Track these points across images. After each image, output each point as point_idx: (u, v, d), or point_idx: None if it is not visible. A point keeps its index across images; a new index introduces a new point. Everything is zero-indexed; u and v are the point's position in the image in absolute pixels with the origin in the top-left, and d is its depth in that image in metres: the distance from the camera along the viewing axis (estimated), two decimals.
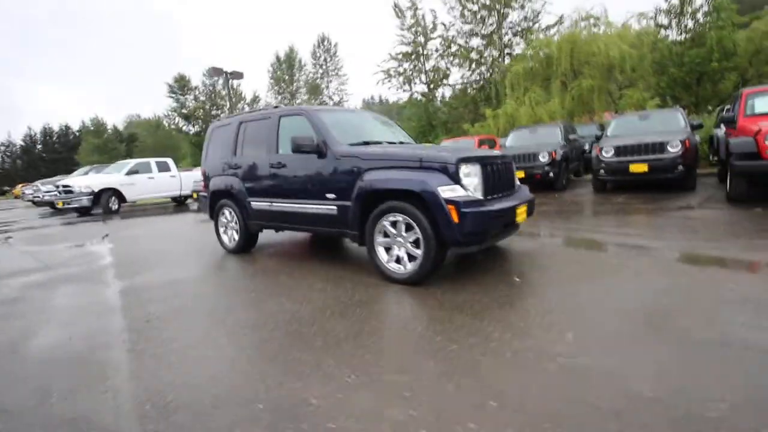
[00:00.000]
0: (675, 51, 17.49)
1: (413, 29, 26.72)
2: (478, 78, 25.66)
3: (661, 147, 7.61)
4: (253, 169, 4.76)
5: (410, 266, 3.39)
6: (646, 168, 7.66)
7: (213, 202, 5.42)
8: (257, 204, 4.73)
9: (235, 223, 5.16)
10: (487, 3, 24.11)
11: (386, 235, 3.55)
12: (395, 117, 28.72)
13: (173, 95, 33.21)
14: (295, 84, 36.45)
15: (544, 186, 9.34)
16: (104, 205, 12.41)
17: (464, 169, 3.25)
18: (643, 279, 3.17)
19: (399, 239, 3.45)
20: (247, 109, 37.98)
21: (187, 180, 14.18)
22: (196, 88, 34.74)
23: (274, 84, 35.93)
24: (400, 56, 27.37)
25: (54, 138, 46.79)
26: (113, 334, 2.78)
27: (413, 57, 27.20)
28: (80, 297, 3.80)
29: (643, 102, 18.05)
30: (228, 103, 37.31)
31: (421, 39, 26.76)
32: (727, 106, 12.34)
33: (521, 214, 3.64)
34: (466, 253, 3.32)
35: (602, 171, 8.24)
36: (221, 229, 5.43)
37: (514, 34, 24.92)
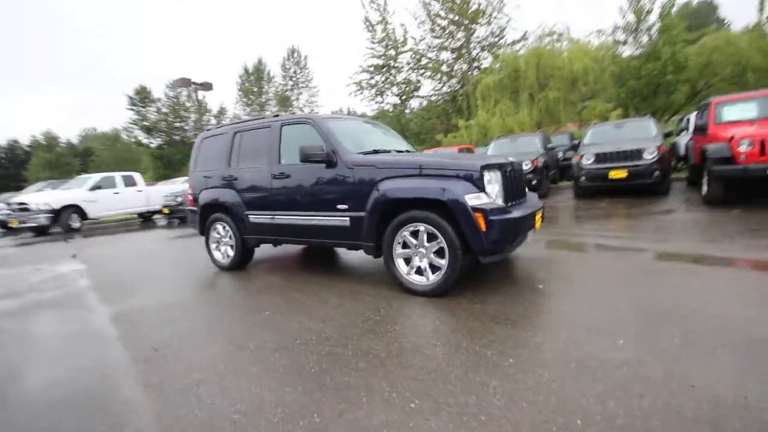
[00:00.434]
0: (633, 65, 18.66)
1: (384, 43, 27.05)
2: (448, 90, 26.25)
3: (638, 154, 7.97)
4: (252, 180, 4.50)
5: (433, 277, 3.27)
6: (625, 174, 7.99)
7: (204, 216, 5.09)
8: (257, 217, 4.47)
9: (230, 237, 4.85)
10: (456, 19, 24.83)
11: (406, 245, 3.42)
12: None
13: (134, 107, 31.71)
14: (264, 96, 35.83)
15: None
16: (64, 223, 11.49)
17: (487, 176, 3.19)
18: (670, 281, 3.21)
19: (421, 250, 3.32)
20: (213, 121, 36.98)
21: (155, 195, 13.45)
22: (158, 99, 33.38)
23: (242, 96, 35.16)
24: (371, 69, 27.59)
25: (0, 153, 43.40)
26: (119, 368, 2.46)
27: (384, 69, 27.48)
28: (65, 325, 3.40)
29: (605, 112, 19.06)
30: (193, 116, 36.17)
31: (392, 52, 27.12)
32: (687, 117, 13.19)
33: (539, 220, 3.62)
34: (491, 262, 3.25)
35: (583, 178, 8.52)
36: (213, 245, 5.09)
37: (482, 49, 25.76)
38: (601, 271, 3.68)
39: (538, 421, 1.64)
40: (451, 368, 2.10)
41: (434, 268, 3.30)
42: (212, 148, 5.09)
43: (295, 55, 34.78)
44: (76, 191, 12.10)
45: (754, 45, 15.71)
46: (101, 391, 2.20)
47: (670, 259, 3.82)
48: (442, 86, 26.40)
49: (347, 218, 3.71)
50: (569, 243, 4.88)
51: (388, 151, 4.15)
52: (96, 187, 12.25)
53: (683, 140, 11.68)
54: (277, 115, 4.56)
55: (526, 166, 9.36)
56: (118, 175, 12.93)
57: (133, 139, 33.78)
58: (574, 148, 13.14)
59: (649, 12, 18.96)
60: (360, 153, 3.83)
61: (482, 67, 25.37)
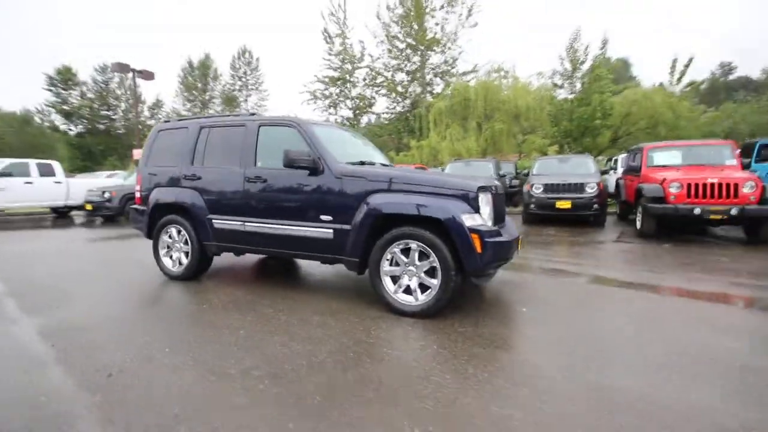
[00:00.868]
0: (566, 107, 20.60)
1: (341, 56, 27.12)
2: (402, 110, 26.90)
3: (581, 187, 8.69)
4: (220, 182, 4.09)
5: (423, 297, 3.16)
6: (569, 205, 8.65)
7: (154, 217, 4.51)
8: (222, 223, 4.05)
9: (186, 243, 4.34)
10: (413, 43, 25.70)
11: (395, 263, 3.28)
12: None
13: (52, 88, 28.09)
14: (208, 93, 33.84)
15: None
16: None
17: (481, 197, 3.19)
18: (637, 305, 3.42)
19: (411, 268, 3.21)
20: (146, 113, 34.01)
21: (77, 188, 11.87)
22: (84, 83, 30.00)
23: (183, 90, 32.84)
24: (326, 80, 27.45)
25: None
26: (65, 400, 1.99)
27: (340, 82, 27.48)
28: None
29: (543, 147, 20.77)
30: (123, 105, 33.06)
31: (349, 66, 27.26)
32: (615, 158, 14.70)
33: (519, 244, 3.70)
34: (480, 283, 3.23)
35: (533, 205, 9.08)
36: (162, 251, 4.52)
37: (435, 75, 26.88)
38: (572, 295, 3.84)
39: None
40: (469, 399, 1.98)
41: (423, 287, 3.19)
42: (170, 141, 4.57)
43: (247, 55, 33.49)
44: None
45: (665, 102, 18.21)
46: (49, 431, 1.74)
47: (627, 287, 4.09)
48: (396, 105, 27.01)
49: (330, 230, 3.49)
50: (532, 267, 5.06)
51: (373, 164, 4.02)
52: (5, 174, 10.49)
53: (612, 178, 13.07)
54: (253, 114, 4.23)
55: None
56: (32, 163, 11.21)
57: (48, 124, 29.86)
58: (518, 176, 14.09)
59: (582, 62, 21.24)
60: (348, 163, 3.66)
61: (435, 91, 26.48)
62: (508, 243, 3.20)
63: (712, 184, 6.42)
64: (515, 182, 13.46)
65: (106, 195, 10.79)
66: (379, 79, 26.66)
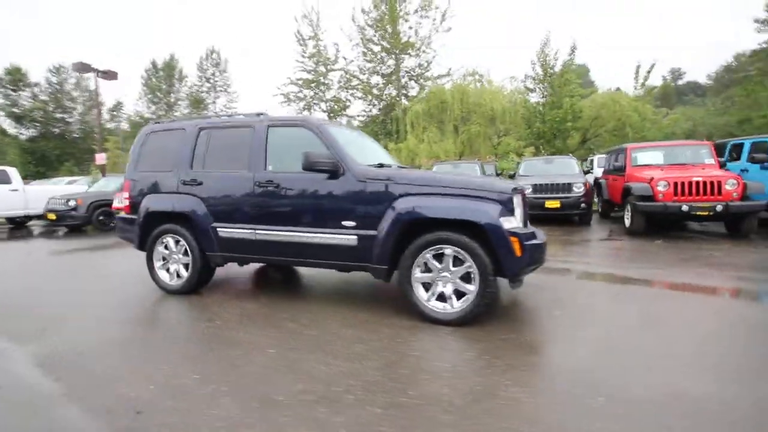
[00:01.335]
0: (538, 110, 21.23)
1: (315, 59, 26.72)
2: (378, 113, 26.80)
3: (569, 187, 8.87)
4: (226, 188, 3.78)
5: (459, 304, 3.02)
6: (558, 204, 8.80)
7: (148, 227, 4.12)
8: (229, 231, 3.74)
9: (185, 254, 3.98)
10: (387, 47, 25.69)
11: (426, 269, 3.12)
12: None
13: (2, 90, 25.92)
14: (174, 95, 32.39)
15: None
16: None
17: (515, 200, 3.10)
18: (664, 304, 3.42)
19: (445, 274, 3.05)
20: (106, 115, 32.08)
21: (35, 195, 10.92)
22: (36, 84, 27.91)
23: (147, 92, 31.24)
24: (300, 82, 26.96)
25: None
26: None
27: (314, 85, 27.06)
28: None
29: (519, 149, 21.26)
30: (80, 107, 31.08)
31: (323, 69, 26.89)
32: (591, 159, 15.16)
33: None
34: (516, 288, 3.12)
35: None
36: (158, 263, 4.13)
37: (410, 78, 26.98)
38: (596, 296, 3.82)
39: None
40: (555, 414, 1.85)
41: (458, 294, 3.05)
42: (163, 144, 4.21)
43: (214, 56, 32.32)
44: None
45: (631, 105, 19.11)
46: None
47: (643, 284, 4.13)
48: (372, 108, 26.88)
49: (354, 237, 3.28)
50: (542, 268, 5.04)
51: (390, 165, 3.85)
52: None
53: (590, 178, 13.49)
54: (260, 114, 3.96)
55: None
56: None
57: None
58: (499, 177, 14.31)
59: (552, 67, 21.95)
60: (369, 165, 3.47)
61: (409, 94, 26.57)
62: (543, 246, 3.12)
63: (698, 183, 6.68)
64: None
65: (71, 203, 9.99)
66: (354, 82, 26.46)
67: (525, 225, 3.33)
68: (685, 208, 6.56)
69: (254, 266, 5.23)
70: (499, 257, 2.90)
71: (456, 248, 2.98)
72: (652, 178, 7.08)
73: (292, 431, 1.76)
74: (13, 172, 10.71)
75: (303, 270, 5.01)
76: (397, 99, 26.04)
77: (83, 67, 14.83)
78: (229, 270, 5.02)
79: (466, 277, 3.02)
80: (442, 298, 3.09)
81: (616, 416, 1.82)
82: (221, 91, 32.86)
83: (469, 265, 2.96)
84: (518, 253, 2.88)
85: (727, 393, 1.99)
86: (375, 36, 25.47)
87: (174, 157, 4.06)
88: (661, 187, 6.89)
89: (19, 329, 3.11)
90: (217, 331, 3.01)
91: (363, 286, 4.30)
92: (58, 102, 29.43)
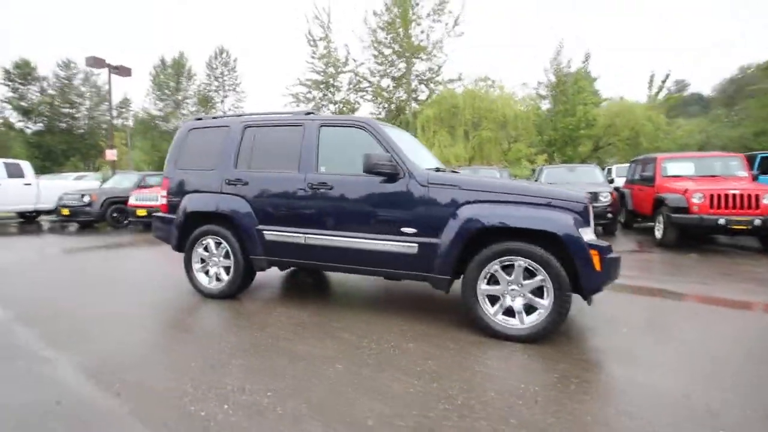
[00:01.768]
0: (551, 117, 21.14)
1: (325, 60, 26.65)
2: (386, 116, 26.69)
3: (595, 196, 8.70)
4: (275, 189, 3.62)
5: (530, 319, 2.84)
6: None
7: (187, 227, 3.95)
8: (276, 234, 3.57)
9: (226, 257, 3.81)
10: (399, 50, 25.63)
11: (493, 281, 2.95)
12: None
13: (9, 83, 25.79)
14: (182, 93, 32.28)
15: None
16: None
17: (590, 210, 2.94)
18: (725, 321, 3.25)
19: (515, 287, 2.88)
20: (113, 111, 31.94)
21: (48, 190, 10.75)
22: (44, 79, 27.79)
23: (155, 89, 31.13)
24: (309, 83, 26.88)
25: None
26: None
27: (323, 86, 26.98)
28: (20, 392, 2.14)
29: (530, 156, 21.13)
30: (88, 102, 30.99)
31: (332, 70, 26.82)
32: (608, 168, 14.99)
33: None
34: (588, 304, 2.96)
35: None
36: (197, 266, 3.95)
37: (420, 82, 26.90)
38: (652, 311, 3.65)
39: None
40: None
41: (528, 309, 2.88)
42: (206, 142, 4.05)
43: (224, 55, 32.21)
44: None
45: (645, 115, 19.00)
46: None
47: (687, 299, 3.98)
48: (381, 111, 26.77)
49: (415, 244, 3.11)
50: None
51: (444, 169, 3.70)
52: None
53: (609, 189, 13.32)
54: (310, 113, 3.80)
55: None
56: (0, 162, 10.05)
57: (1, 120, 27.45)
58: None
59: (566, 75, 21.87)
60: (428, 170, 3.31)
61: (419, 98, 26.48)
62: (619, 260, 2.95)
63: (734, 195, 6.52)
64: None
65: (86, 199, 9.83)
66: (364, 84, 26.39)
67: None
68: (722, 221, 6.41)
69: (274, 270, 5.05)
70: (578, 271, 2.73)
71: (528, 260, 2.81)
72: (686, 190, 6.92)
73: None
74: (26, 166, 10.55)
75: (334, 276, 4.83)
76: (407, 102, 25.96)
77: (96, 62, 14.69)
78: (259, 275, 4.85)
79: (538, 291, 2.86)
80: (508, 312, 2.92)
81: None
82: (230, 90, 32.79)
83: (542, 278, 2.79)
84: (598, 267, 2.72)
85: None
86: (387, 38, 25.42)
87: (217, 155, 3.90)
88: (696, 199, 6.73)
89: (55, 334, 2.93)
90: (273, 341, 2.83)
91: (404, 293, 4.13)
92: (65, 97, 29.31)
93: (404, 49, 25.50)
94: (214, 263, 3.90)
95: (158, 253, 6.72)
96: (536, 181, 10.67)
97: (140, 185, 10.93)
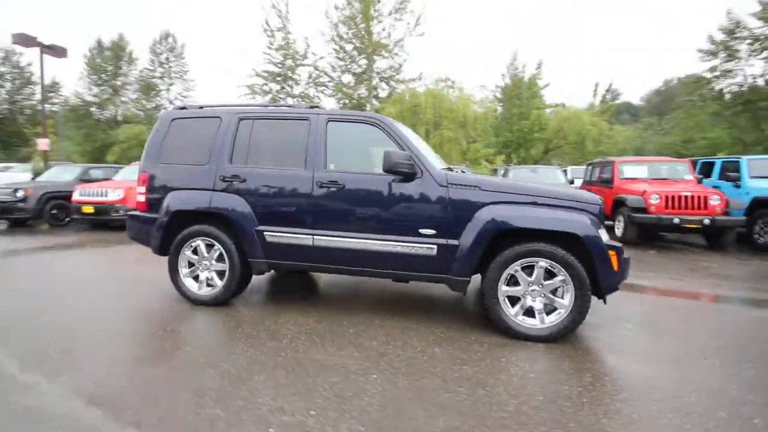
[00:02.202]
0: (507, 120, 22.06)
1: (282, 52, 25.77)
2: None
3: None
4: (278, 187, 3.37)
5: (551, 319, 2.88)
6: None
7: (173, 228, 3.56)
8: (279, 236, 3.32)
9: (219, 260, 3.49)
10: (359, 45, 25.39)
11: (513, 282, 2.96)
12: None
13: None
14: (120, 78, 29.59)
15: None
16: None
17: (603, 212, 3.03)
18: (710, 315, 3.53)
19: (535, 288, 2.91)
20: (39, 95, 28.58)
21: None
22: None
23: (90, 72, 28.22)
24: (266, 74, 25.88)
25: None
26: None
27: (281, 79, 26.10)
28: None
29: (488, 156, 21.87)
30: (8, 84, 27.54)
31: (290, 63, 26.01)
32: (564, 168, 15.86)
33: None
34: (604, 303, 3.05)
35: None
36: (184, 270, 3.58)
37: (381, 80, 26.86)
38: (644, 307, 3.88)
39: None
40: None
41: (549, 309, 2.92)
42: (194, 134, 3.69)
43: (170, 39, 29.95)
44: None
45: (591, 121, 20.42)
46: None
47: (675, 295, 4.29)
48: (342, 107, 26.39)
49: (434, 246, 3.04)
50: None
51: (452, 169, 3.66)
52: None
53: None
54: (315, 106, 3.59)
55: None
56: None
57: None
58: None
59: (521, 79, 22.90)
60: (443, 169, 3.25)
61: (380, 95, 26.44)
62: (629, 260, 3.07)
63: (686, 197, 7.16)
64: None
65: (19, 193, 8.68)
66: (325, 79, 25.89)
67: None
68: (676, 220, 7.00)
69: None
70: (598, 271, 2.80)
71: (550, 261, 2.84)
72: (644, 191, 7.49)
73: None
74: None
75: (322, 277, 4.63)
76: (368, 99, 25.82)
77: (26, 40, 12.97)
78: None
79: (557, 291, 2.90)
80: (527, 312, 2.95)
81: None
82: (177, 77, 30.58)
83: (563, 279, 2.84)
84: (616, 267, 2.81)
85: None
86: (348, 34, 25.08)
87: (208, 149, 3.55)
88: (653, 200, 7.30)
89: (30, 353, 2.50)
90: (291, 351, 2.62)
91: (401, 294, 4.05)
92: None
93: (365, 46, 25.34)
94: (205, 267, 3.55)
95: (114, 255, 6.10)
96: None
97: (83, 179, 9.85)
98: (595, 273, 2.82)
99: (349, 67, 25.59)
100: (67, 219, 9.24)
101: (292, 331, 2.97)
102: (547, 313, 2.91)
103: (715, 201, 7.08)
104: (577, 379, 2.34)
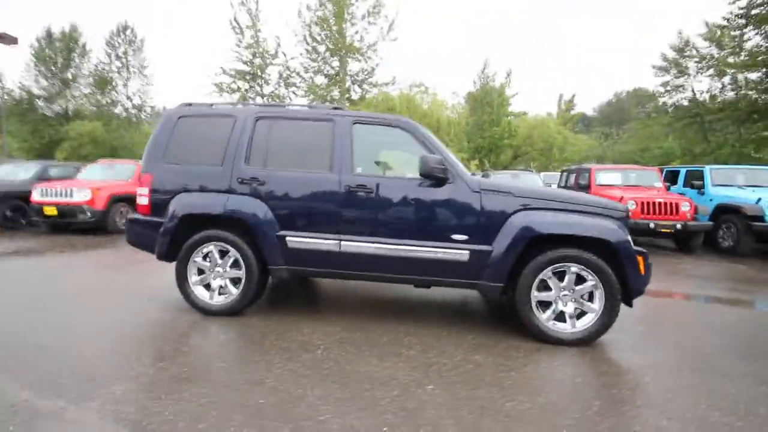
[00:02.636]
0: (479, 126, 22.68)
1: (252, 50, 25.09)
2: None
3: None
4: (301, 190, 3.22)
5: (582, 323, 2.94)
6: None
7: (182, 233, 3.31)
8: (303, 241, 3.17)
9: (234, 266, 3.29)
10: (332, 47, 25.20)
11: (545, 288, 2.99)
12: None
13: None
14: (72, 71, 27.51)
15: None
16: None
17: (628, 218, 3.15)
18: (709, 316, 3.76)
19: (566, 293, 2.96)
20: None
21: None
22: None
23: (39, 64, 25.98)
24: (234, 72, 25.09)
25: None
26: None
27: (250, 78, 25.39)
28: None
29: (463, 161, 22.34)
30: None
31: (259, 61, 25.37)
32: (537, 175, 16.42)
33: None
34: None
35: None
36: (194, 278, 3.33)
37: (353, 83, 26.77)
38: (649, 309, 4.06)
39: None
40: None
41: (579, 313, 2.98)
42: (204, 133, 3.46)
43: (129, 32, 28.22)
44: None
45: (556, 129, 21.46)
46: None
47: (670, 296, 4.54)
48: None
49: (466, 252, 3.02)
50: None
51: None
52: None
53: None
54: (338, 108, 3.47)
55: None
56: None
57: None
58: None
59: (492, 87, 23.63)
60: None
61: (352, 98, 26.32)
62: (652, 265, 3.19)
63: (660, 203, 7.64)
64: None
65: None
66: (297, 80, 25.47)
67: None
68: (652, 225, 7.45)
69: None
70: (627, 276, 2.89)
71: (581, 266, 2.90)
72: (622, 197, 7.91)
73: None
74: None
75: (324, 282, 4.51)
76: (341, 102, 25.63)
77: None
78: None
79: (588, 296, 2.97)
80: (559, 317, 2.99)
81: None
82: (135, 72, 28.85)
83: (594, 284, 2.91)
84: (642, 271, 2.92)
85: None
86: (320, 35, 24.80)
87: (223, 149, 3.34)
88: (630, 206, 7.71)
89: (44, 378, 2.22)
90: (334, 363, 2.50)
91: (415, 299, 4.01)
92: None
93: (338, 48, 25.17)
94: (218, 274, 3.33)
95: (89, 261, 5.65)
96: None
97: (42, 177, 9.03)
98: (624, 277, 2.91)
99: (321, 68, 25.31)
100: (23, 221, 8.45)
101: (323, 342, 2.84)
102: (577, 318, 2.97)
103: (685, 207, 7.60)
104: (624, 381, 2.41)
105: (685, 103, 18.90)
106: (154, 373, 2.29)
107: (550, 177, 13.83)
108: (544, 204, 3.04)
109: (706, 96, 18.10)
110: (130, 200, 8.32)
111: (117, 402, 1.97)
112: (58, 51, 27.07)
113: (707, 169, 8.63)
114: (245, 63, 25.12)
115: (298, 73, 25.19)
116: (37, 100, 26.91)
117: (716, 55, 16.70)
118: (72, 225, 8.03)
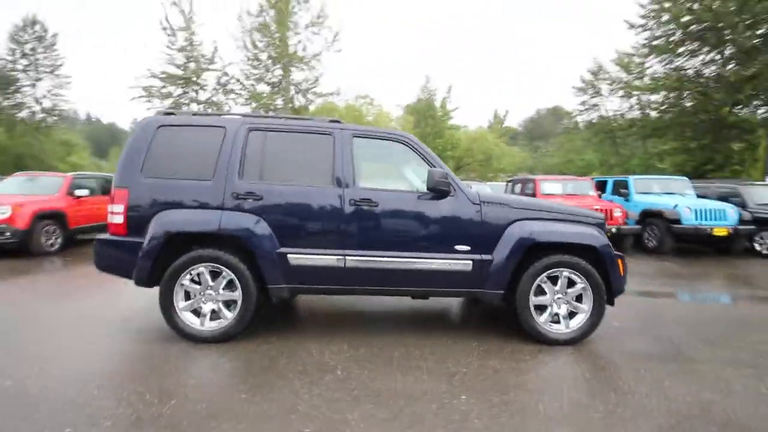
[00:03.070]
0: (422, 138, 23.48)
1: (185, 53, 23.67)
2: None
3: None
4: (301, 205, 3.11)
5: (575, 323, 3.19)
6: None
7: (166, 253, 3.01)
8: (305, 258, 3.06)
9: (228, 288, 3.07)
10: (274, 55, 24.63)
11: (540, 292, 3.20)
12: None
13: None
14: None
15: None
16: None
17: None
18: (691, 314, 4.27)
19: (560, 296, 3.20)
20: None
21: None
22: None
23: None
24: (164, 76, 23.42)
25: None
26: None
27: (182, 82, 23.86)
28: None
29: None
30: None
31: (193, 65, 24.00)
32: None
33: None
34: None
35: None
36: (181, 303, 3.04)
37: (297, 92, 26.34)
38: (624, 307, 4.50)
39: None
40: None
41: (570, 314, 3.23)
42: (189, 144, 3.23)
43: (38, 27, 25.05)
44: None
45: (494, 141, 22.95)
46: None
47: (649, 295, 5.07)
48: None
49: (469, 262, 3.14)
50: None
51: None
52: None
53: None
54: (335, 121, 3.42)
55: None
56: None
57: None
58: None
59: (434, 101, 24.64)
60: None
61: (295, 107, 25.83)
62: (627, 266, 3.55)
63: (597, 209, 8.49)
64: None
65: None
66: (237, 86, 24.46)
67: None
68: None
69: None
70: (610, 277, 3.20)
71: (572, 270, 3.16)
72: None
73: None
74: None
75: (304, 298, 4.39)
76: (285, 110, 25.03)
77: None
78: None
79: (577, 298, 3.23)
80: (553, 319, 3.22)
81: None
82: (46, 72, 25.65)
83: (583, 286, 3.18)
84: (621, 272, 3.25)
85: None
86: (262, 41, 24.11)
87: (213, 162, 3.13)
88: None
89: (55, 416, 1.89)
90: (358, 382, 2.44)
91: (407, 309, 4.06)
92: None
93: (280, 56, 24.65)
94: (209, 298, 3.08)
95: (21, 287, 4.89)
96: None
97: None
98: (607, 279, 3.21)
99: (263, 76, 24.57)
100: None
101: (336, 360, 2.76)
102: (570, 318, 3.22)
103: (618, 213, 8.55)
104: (632, 376, 2.65)
105: (600, 120, 21.27)
106: (170, 413, 2.06)
107: (495, 187, 14.70)
108: (537, 215, 3.27)
109: (618, 114, 20.60)
110: (57, 217, 7.40)
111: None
112: None
113: (631, 179, 9.79)
114: (178, 67, 23.59)
115: (238, 80, 24.19)
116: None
117: (624, 79, 19.12)
118: None
